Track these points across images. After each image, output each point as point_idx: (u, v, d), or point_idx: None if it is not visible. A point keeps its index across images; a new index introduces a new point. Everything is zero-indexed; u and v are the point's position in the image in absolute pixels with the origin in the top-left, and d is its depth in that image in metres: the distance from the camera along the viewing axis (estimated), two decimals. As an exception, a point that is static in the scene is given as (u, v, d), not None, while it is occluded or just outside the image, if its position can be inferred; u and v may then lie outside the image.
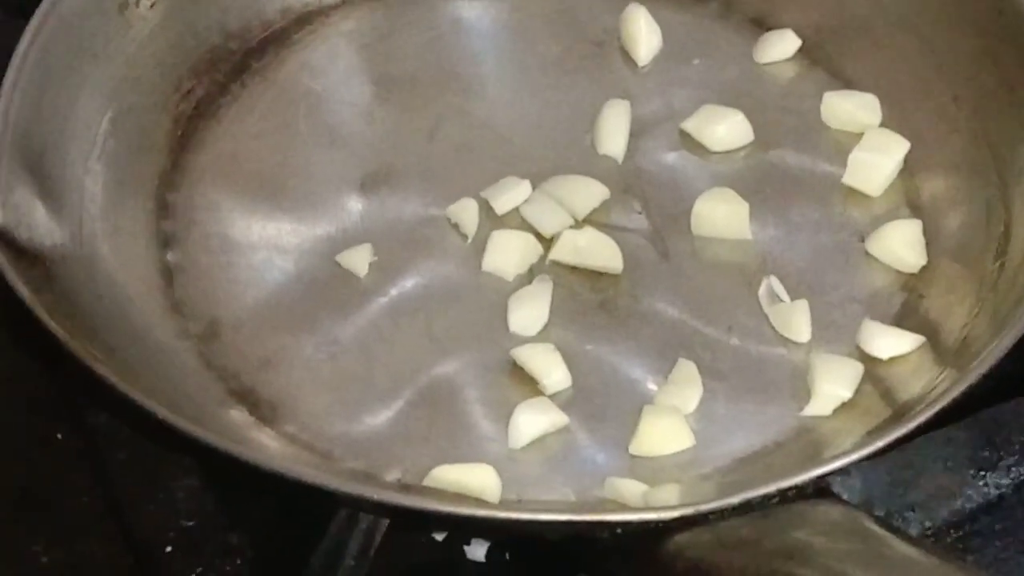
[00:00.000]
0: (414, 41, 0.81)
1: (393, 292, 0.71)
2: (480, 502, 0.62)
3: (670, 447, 0.65)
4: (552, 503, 0.63)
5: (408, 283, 0.72)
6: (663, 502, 0.61)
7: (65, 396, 0.68)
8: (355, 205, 0.75)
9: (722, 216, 0.72)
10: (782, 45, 0.80)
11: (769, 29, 0.80)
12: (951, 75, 0.75)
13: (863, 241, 0.72)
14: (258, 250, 0.73)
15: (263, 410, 0.67)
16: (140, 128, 0.75)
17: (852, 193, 0.74)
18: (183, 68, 0.78)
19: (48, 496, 0.66)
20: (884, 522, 0.58)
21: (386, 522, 0.62)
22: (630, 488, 0.63)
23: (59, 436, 0.67)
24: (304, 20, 0.82)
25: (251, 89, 0.79)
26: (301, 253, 0.73)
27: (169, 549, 0.64)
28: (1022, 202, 0.69)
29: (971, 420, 0.66)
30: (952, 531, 0.64)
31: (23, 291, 0.61)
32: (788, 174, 0.75)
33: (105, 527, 0.65)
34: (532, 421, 0.66)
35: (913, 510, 0.63)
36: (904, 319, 0.69)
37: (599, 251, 0.72)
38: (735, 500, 0.56)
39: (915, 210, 0.73)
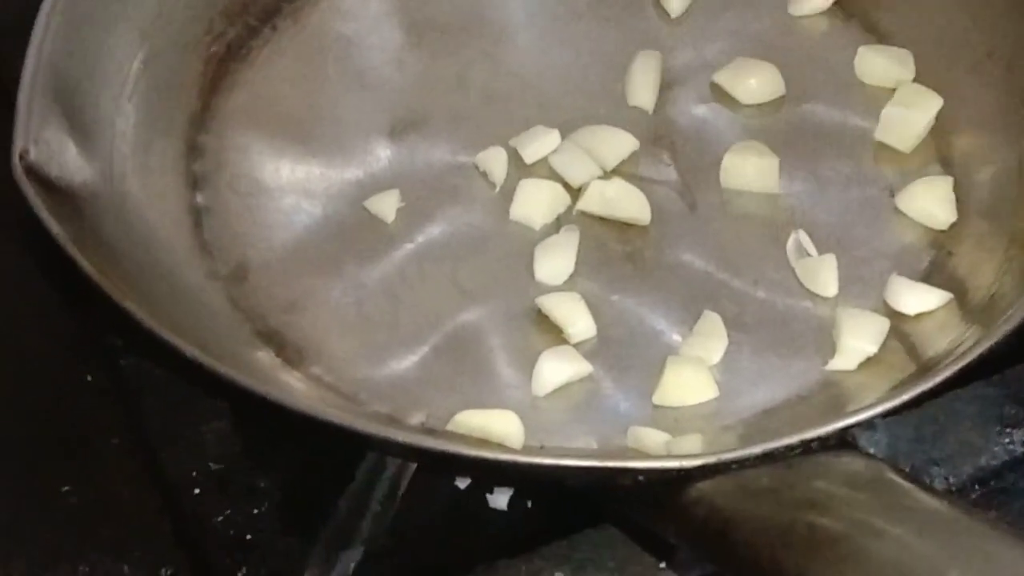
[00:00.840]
0: (446, -16, 0.81)
1: (420, 238, 0.71)
2: (503, 447, 0.62)
3: (694, 398, 0.65)
4: (574, 450, 0.63)
5: (435, 230, 0.72)
6: (685, 451, 0.61)
7: (95, 337, 0.69)
8: (383, 151, 0.75)
9: (752, 169, 0.72)
10: (814, 2, 0.79)
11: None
12: (985, 30, 0.74)
13: (893, 196, 0.72)
14: (287, 193, 0.73)
15: (289, 352, 0.67)
16: (171, 69, 0.75)
17: (883, 148, 0.73)
18: (215, 10, 0.78)
19: (77, 437, 0.66)
20: (907, 474, 0.58)
21: (412, 468, 0.62)
22: (653, 437, 0.63)
23: (89, 378, 0.68)
24: None
25: (282, 32, 0.79)
26: (329, 197, 0.73)
27: (197, 491, 0.64)
28: (1055, 160, 0.69)
29: (997, 377, 0.66)
30: (976, 487, 0.64)
31: (53, 226, 0.62)
32: (820, 128, 0.75)
33: (134, 468, 0.66)
34: (556, 369, 0.66)
35: (938, 465, 0.63)
36: (932, 276, 0.69)
37: (627, 202, 0.71)
38: (757, 450, 0.56)
39: (946, 166, 0.73)
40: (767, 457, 0.56)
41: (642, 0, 0.80)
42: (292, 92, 0.77)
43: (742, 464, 0.56)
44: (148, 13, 0.75)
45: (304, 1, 0.80)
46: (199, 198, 0.72)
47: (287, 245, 0.71)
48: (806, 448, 0.57)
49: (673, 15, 0.79)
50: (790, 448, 0.57)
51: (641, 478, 0.57)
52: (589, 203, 0.71)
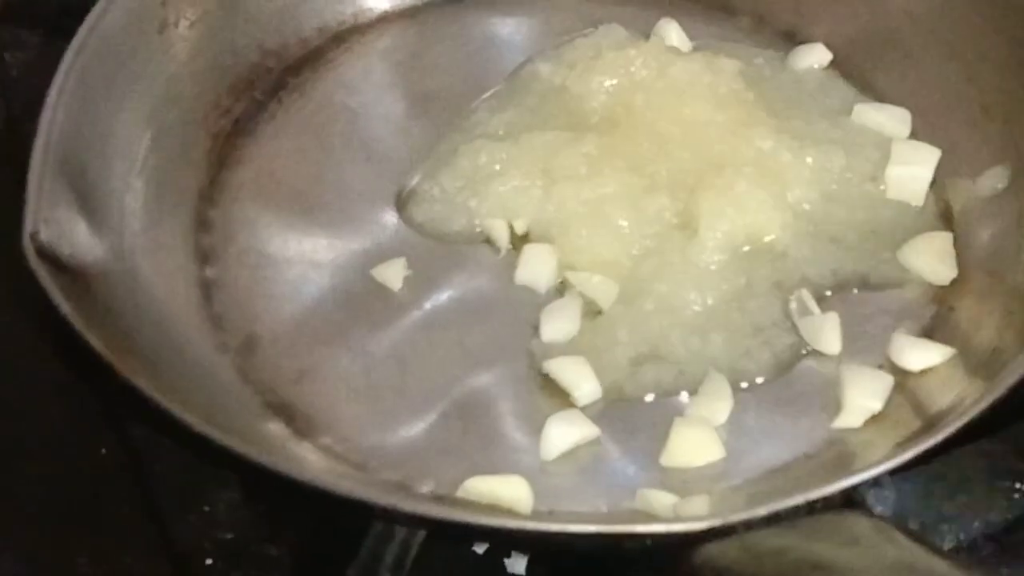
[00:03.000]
0: (448, 58, 0.82)
1: (427, 305, 0.72)
2: (511, 514, 0.63)
3: (701, 459, 0.66)
4: (583, 515, 0.64)
5: (442, 296, 0.72)
6: (693, 513, 0.61)
7: (108, 410, 0.69)
8: (389, 220, 0.76)
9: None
10: (813, 58, 0.80)
11: (801, 42, 0.81)
12: (981, 86, 0.75)
13: (894, 252, 0.72)
14: (294, 265, 0.74)
15: (299, 423, 0.68)
16: (180, 145, 0.77)
17: (885, 205, 0.74)
18: (222, 86, 0.79)
19: (91, 508, 0.67)
20: (914, 534, 0.58)
21: (421, 534, 0.62)
22: (661, 499, 0.63)
23: (103, 450, 0.68)
24: (340, 38, 0.83)
25: (288, 106, 0.80)
26: (336, 267, 0.74)
27: (209, 561, 0.65)
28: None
29: (1006, 433, 0.65)
30: (987, 543, 0.64)
31: (64, 305, 0.63)
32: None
33: (146, 539, 0.66)
34: (564, 433, 0.66)
35: (947, 522, 0.63)
36: (935, 331, 0.70)
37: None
38: (763, 511, 0.56)
39: (946, 222, 0.73)
40: (773, 518, 0.57)
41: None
42: (298, 165, 0.78)
43: (748, 526, 0.56)
44: (156, 91, 0.76)
45: (309, 75, 0.82)
46: (208, 272, 0.73)
47: (295, 316, 0.72)
48: (811, 508, 0.57)
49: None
50: (796, 509, 0.57)
51: (649, 542, 0.57)
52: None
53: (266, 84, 0.81)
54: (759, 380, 0.68)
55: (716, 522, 0.57)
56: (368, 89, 0.81)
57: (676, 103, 0.77)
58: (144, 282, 0.70)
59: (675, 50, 0.80)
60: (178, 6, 0.78)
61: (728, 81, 0.78)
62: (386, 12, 0.84)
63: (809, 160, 0.74)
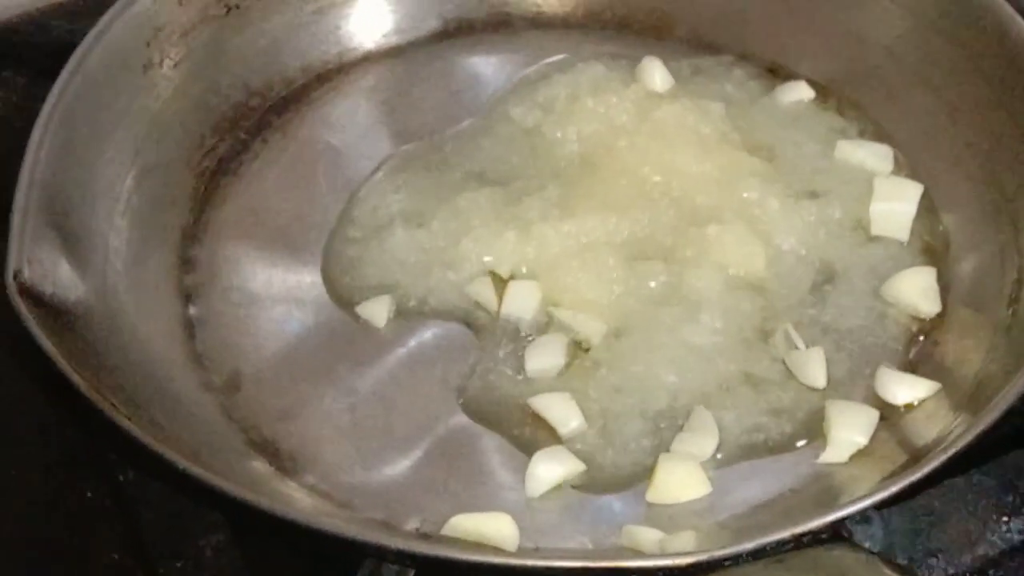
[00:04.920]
0: (431, 96, 0.83)
1: (411, 342, 0.72)
2: (498, 550, 0.62)
3: (687, 495, 0.65)
4: (569, 551, 0.63)
5: (426, 333, 0.72)
6: (679, 548, 0.61)
7: (95, 453, 0.69)
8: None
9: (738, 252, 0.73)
10: (797, 94, 0.81)
11: (785, 78, 0.82)
12: (963, 123, 0.76)
13: (878, 287, 0.73)
14: (278, 302, 0.74)
15: (283, 461, 0.68)
16: (164, 185, 0.77)
17: (867, 239, 0.74)
18: (206, 126, 0.80)
19: (78, 552, 0.67)
20: (902, 568, 0.58)
21: (411, 573, 0.62)
22: (647, 535, 0.63)
23: (89, 494, 0.68)
24: (324, 77, 0.83)
25: (272, 145, 0.81)
26: (320, 305, 0.74)
27: (197, 603, 0.64)
28: (1035, 248, 0.70)
29: (993, 465, 0.65)
30: (975, 576, 0.64)
31: (47, 344, 0.63)
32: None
33: (133, 582, 0.66)
34: (549, 469, 0.66)
35: (936, 556, 0.63)
36: (919, 365, 0.70)
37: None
38: (750, 546, 0.56)
39: (929, 257, 0.74)
40: (759, 552, 0.56)
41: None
42: (282, 203, 0.78)
43: (735, 560, 0.56)
44: (140, 131, 0.76)
45: (293, 114, 0.82)
46: (192, 310, 0.73)
47: (279, 354, 0.72)
48: (798, 543, 0.57)
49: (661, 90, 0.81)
50: (782, 543, 0.57)
51: (634, 578, 0.57)
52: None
53: (250, 123, 0.81)
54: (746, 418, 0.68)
55: (702, 557, 0.56)
56: (352, 128, 0.82)
57: (660, 148, 0.77)
58: (127, 320, 0.70)
59: (657, 96, 0.80)
60: (162, 46, 0.78)
61: (714, 123, 0.78)
62: (370, 52, 0.85)
63: (793, 202, 0.75)
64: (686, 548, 0.61)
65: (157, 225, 0.75)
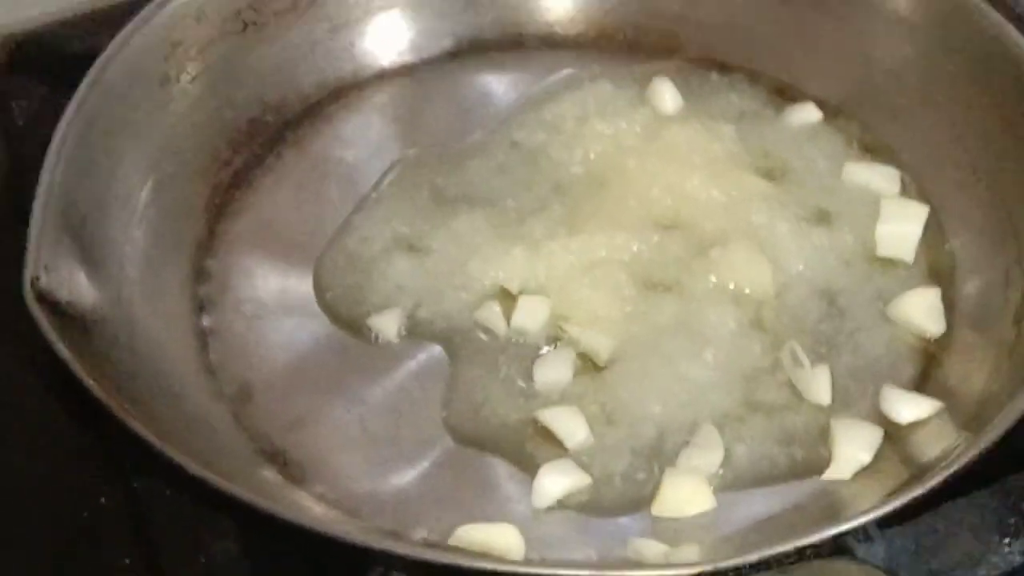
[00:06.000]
0: (443, 113, 0.84)
1: (421, 355, 0.73)
2: (503, 560, 0.63)
3: (692, 509, 0.66)
4: (574, 561, 0.64)
5: (435, 348, 0.73)
6: (683, 560, 0.61)
7: (108, 458, 0.70)
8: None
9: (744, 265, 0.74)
10: (805, 116, 0.81)
11: (792, 98, 0.82)
12: (970, 145, 0.76)
13: (884, 307, 0.73)
14: (291, 314, 0.75)
15: (293, 470, 0.68)
16: (179, 197, 0.78)
17: (874, 260, 0.75)
18: (221, 140, 0.81)
19: (89, 557, 0.67)
20: (902, 582, 0.58)
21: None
22: (652, 548, 0.64)
23: (102, 499, 0.69)
24: (338, 93, 0.84)
25: (286, 160, 0.82)
26: (331, 317, 0.75)
27: (207, 610, 0.65)
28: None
29: (996, 487, 0.66)
30: (977, 599, 0.64)
31: (63, 350, 0.64)
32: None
33: (146, 588, 0.66)
34: (556, 482, 0.67)
35: (938, 576, 0.64)
36: (923, 384, 0.70)
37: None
38: (753, 558, 0.57)
39: (934, 277, 0.74)
40: (762, 564, 0.57)
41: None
42: (296, 216, 0.79)
43: (738, 572, 0.57)
44: (156, 144, 0.77)
45: (308, 129, 0.83)
46: (205, 321, 0.74)
47: (291, 364, 0.73)
48: (801, 555, 0.58)
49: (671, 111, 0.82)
50: (785, 556, 0.57)
51: (640, 588, 0.58)
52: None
53: (265, 138, 0.82)
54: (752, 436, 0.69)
55: (707, 568, 0.57)
56: (365, 143, 0.83)
57: (669, 169, 0.78)
58: (142, 329, 0.71)
59: (666, 116, 0.81)
60: (180, 61, 0.79)
61: (724, 143, 0.79)
62: (384, 69, 0.86)
63: (801, 225, 0.76)
64: (690, 559, 0.62)
65: (172, 236, 0.76)
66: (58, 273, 0.67)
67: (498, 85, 0.85)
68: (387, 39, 0.86)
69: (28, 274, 0.66)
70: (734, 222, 0.76)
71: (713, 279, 0.73)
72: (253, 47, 0.82)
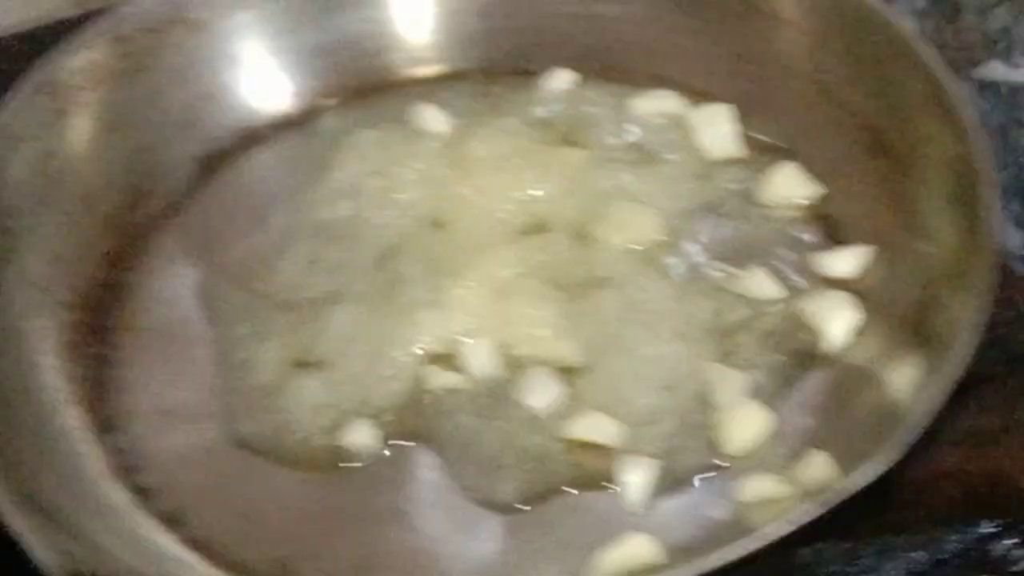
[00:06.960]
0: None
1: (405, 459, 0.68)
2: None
3: (759, 431, 0.67)
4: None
5: (421, 455, 0.69)
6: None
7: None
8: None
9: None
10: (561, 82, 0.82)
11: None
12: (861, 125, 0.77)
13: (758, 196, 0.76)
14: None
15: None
16: None
17: (716, 165, 0.77)
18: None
19: None
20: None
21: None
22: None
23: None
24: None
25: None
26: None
27: None
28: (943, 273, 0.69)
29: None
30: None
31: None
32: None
33: None
34: (639, 475, 0.65)
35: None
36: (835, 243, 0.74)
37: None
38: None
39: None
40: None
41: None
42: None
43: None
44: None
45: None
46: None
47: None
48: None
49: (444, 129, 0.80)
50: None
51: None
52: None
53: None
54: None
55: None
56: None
57: (499, 180, 0.76)
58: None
59: (443, 136, 0.80)
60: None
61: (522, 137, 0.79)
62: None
63: (640, 170, 0.77)
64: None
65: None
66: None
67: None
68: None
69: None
70: (587, 196, 0.76)
71: (614, 247, 0.73)
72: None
